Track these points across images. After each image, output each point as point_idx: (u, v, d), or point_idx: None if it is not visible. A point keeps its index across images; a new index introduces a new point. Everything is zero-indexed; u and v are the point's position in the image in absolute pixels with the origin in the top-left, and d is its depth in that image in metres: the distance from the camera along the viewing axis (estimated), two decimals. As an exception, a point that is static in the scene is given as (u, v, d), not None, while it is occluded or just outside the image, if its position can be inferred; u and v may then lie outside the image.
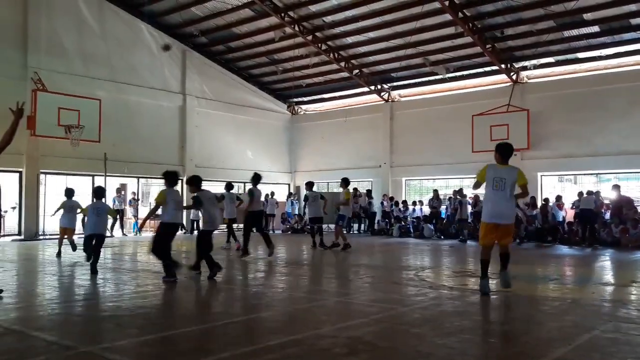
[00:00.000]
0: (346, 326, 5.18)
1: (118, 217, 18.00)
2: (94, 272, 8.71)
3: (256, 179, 12.10)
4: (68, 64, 19.03)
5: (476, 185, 7.04)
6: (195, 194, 8.54)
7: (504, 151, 6.85)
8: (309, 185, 14.89)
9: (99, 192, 9.99)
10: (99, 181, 18.54)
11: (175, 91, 22.47)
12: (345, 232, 19.88)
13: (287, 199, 24.05)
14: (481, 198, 12.31)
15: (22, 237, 17.48)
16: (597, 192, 16.28)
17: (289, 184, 26.43)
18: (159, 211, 8.10)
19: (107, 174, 18.93)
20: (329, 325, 5.27)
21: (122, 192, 20.81)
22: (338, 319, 5.60)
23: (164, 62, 22.03)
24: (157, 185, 22.08)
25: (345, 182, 13.97)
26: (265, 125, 25.73)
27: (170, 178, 8.36)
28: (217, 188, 24.49)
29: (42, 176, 18.46)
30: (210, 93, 23.55)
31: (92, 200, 10.24)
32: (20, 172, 17.89)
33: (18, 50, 17.93)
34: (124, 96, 20.42)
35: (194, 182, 8.66)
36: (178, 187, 8.68)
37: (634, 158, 17.27)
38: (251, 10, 19.86)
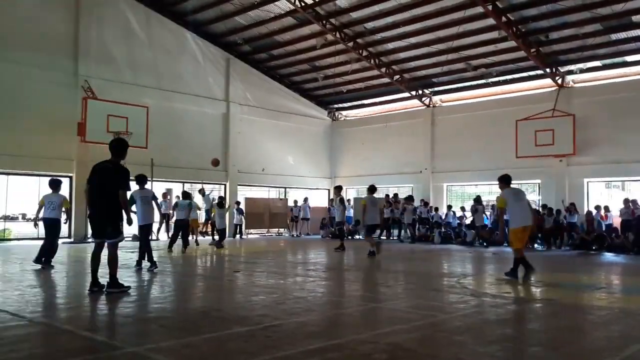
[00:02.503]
0: (386, 332, 5.19)
1: (164, 220, 18.39)
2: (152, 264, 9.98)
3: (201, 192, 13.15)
4: (117, 72, 19.71)
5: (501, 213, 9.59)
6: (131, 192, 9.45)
7: (509, 179, 9.74)
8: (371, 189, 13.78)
9: (141, 179, 10.61)
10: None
11: (219, 98, 22.93)
12: (383, 238, 20.08)
13: (330, 204, 23.99)
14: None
15: (72, 240, 18.10)
16: None
17: (328, 190, 26.52)
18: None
19: (154, 179, 19.43)
20: (369, 330, 5.29)
21: (168, 197, 21.28)
22: (378, 325, 5.61)
23: (208, 70, 22.55)
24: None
25: (371, 190, 13.58)
26: (306, 131, 25.96)
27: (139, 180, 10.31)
28: (260, 193, 25.04)
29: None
30: (253, 100, 23.95)
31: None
32: (71, 178, 18.56)
33: (69, 59, 18.71)
34: (169, 103, 20.99)
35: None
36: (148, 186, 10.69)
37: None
38: (293, 19, 20.11)
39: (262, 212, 23.57)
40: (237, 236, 21.26)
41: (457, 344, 4.85)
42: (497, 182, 9.92)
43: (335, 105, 26.67)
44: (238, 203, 21.71)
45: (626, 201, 16.44)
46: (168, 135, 20.51)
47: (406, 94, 23.36)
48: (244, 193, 23.66)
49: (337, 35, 20.18)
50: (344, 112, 26.96)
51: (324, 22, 19.60)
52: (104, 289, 7.13)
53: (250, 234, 23.27)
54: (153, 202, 10.56)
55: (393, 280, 9.42)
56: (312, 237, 22.91)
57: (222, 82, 23.10)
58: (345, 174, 26.17)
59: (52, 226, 10.35)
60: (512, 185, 9.73)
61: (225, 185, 22.92)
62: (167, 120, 20.62)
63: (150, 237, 10.73)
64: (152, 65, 20.76)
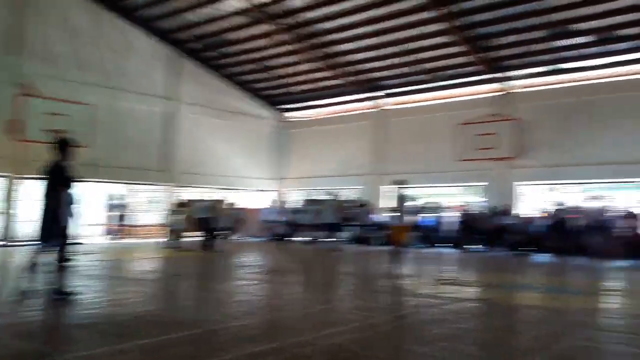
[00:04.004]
0: (326, 334, 5.23)
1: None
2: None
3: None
4: (60, 69, 18.90)
5: None
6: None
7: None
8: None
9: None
10: (88, 187, 18.46)
11: (166, 97, 22.45)
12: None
13: (269, 206, 23.72)
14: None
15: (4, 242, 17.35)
16: (603, 197, 16.34)
17: (275, 191, 26.42)
18: None
19: (99, 180, 18.92)
20: (309, 332, 5.32)
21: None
22: (319, 327, 5.64)
23: (156, 67, 22.05)
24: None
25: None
26: (254, 131, 25.76)
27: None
28: (205, 194, 24.61)
29: (28, 181, 18.33)
30: (202, 99, 23.56)
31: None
32: (7, 177, 17.83)
33: (11, 57, 17.88)
34: (115, 102, 20.35)
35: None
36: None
37: (621, 168, 17.43)
38: (245, 17, 19.94)
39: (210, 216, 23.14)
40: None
41: (395, 344, 4.95)
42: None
43: (286, 106, 26.61)
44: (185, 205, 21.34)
45: (558, 204, 17.15)
46: (113, 135, 19.86)
47: (357, 96, 23.56)
48: (186, 195, 23.21)
49: (289, 35, 20.14)
50: (294, 113, 26.93)
51: (276, 21, 19.53)
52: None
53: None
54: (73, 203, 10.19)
55: (335, 282, 9.49)
56: (257, 239, 22.69)
57: (170, 80, 22.64)
58: (292, 176, 26.15)
59: None
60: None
61: (167, 186, 22.43)
62: (112, 119, 19.94)
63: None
64: (98, 62, 20.05)
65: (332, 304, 7.02)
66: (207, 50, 23.04)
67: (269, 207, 23.34)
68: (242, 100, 25.35)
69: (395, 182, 11.93)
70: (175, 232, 16.17)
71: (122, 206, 21.39)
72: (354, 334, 5.29)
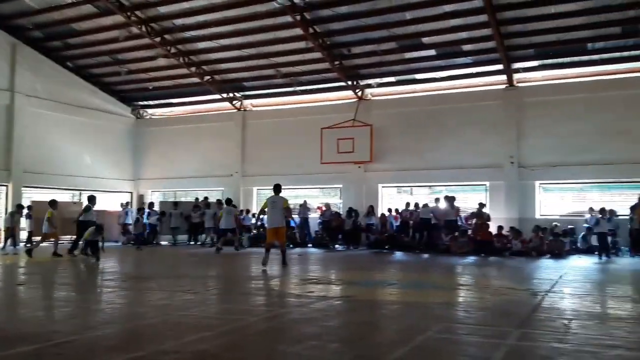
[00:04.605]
0: (191, 340, 4.98)
1: None
2: None
3: None
4: None
5: (261, 212, 12.14)
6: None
7: (275, 187, 12.12)
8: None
9: None
10: None
11: (2, 88, 20.17)
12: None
13: (122, 208, 22.27)
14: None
15: None
16: (452, 198, 17.58)
17: (131, 192, 25.00)
18: None
19: None
20: (173, 340, 5.02)
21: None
22: (183, 334, 5.35)
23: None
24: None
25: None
26: (107, 128, 24.10)
27: None
28: (53, 195, 22.47)
29: None
30: (44, 92, 21.45)
31: None
32: None
33: None
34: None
35: None
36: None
37: (463, 172, 19.14)
38: (94, 7, 18.55)
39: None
40: (22, 244, 18.74)
41: (264, 346, 4.87)
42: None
43: (141, 103, 25.27)
44: (30, 207, 19.34)
45: (415, 205, 18.42)
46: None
47: (217, 96, 23.09)
48: (30, 196, 21.06)
49: (143, 28, 19.12)
50: (150, 111, 25.67)
51: (129, 13, 18.42)
52: None
53: (37, 241, 20.73)
54: None
55: (200, 286, 9.14)
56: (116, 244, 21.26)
57: (5, 69, 20.34)
58: (150, 176, 24.94)
59: None
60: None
61: (7, 186, 20.19)
62: None
63: None
64: None
65: (197, 309, 6.71)
66: (51, 40, 21.11)
67: (128, 209, 21.90)
68: (94, 96, 23.60)
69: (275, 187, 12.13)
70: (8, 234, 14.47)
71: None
72: (221, 338, 5.08)
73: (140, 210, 21.27)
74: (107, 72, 23.19)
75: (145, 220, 20.68)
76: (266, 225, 12.44)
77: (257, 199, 22.76)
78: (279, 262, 11.85)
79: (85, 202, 21.91)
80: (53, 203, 14.84)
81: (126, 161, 24.99)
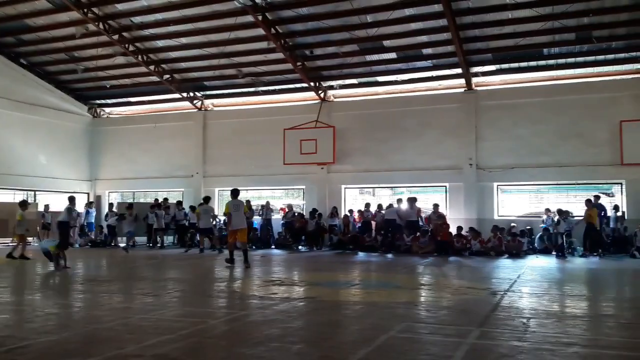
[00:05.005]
0: (152, 344, 4.86)
1: None
2: None
3: None
4: None
5: (228, 215, 12.31)
6: None
7: (233, 192, 12.69)
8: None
9: None
10: None
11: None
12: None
13: (85, 209, 21.67)
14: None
15: None
16: (414, 199, 17.76)
17: (88, 193, 24.32)
18: None
19: None
20: (133, 344, 4.89)
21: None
22: (144, 337, 5.22)
23: None
24: None
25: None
26: (62, 127, 23.37)
27: None
28: (4, 197, 21.73)
29: None
30: (-6, 89, 20.70)
31: None
32: None
33: None
34: None
35: None
36: None
37: (424, 174, 19.39)
38: (48, 2, 17.99)
39: (7, 219, 20.44)
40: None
41: (225, 348, 4.81)
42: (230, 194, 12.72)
43: (98, 101, 24.63)
44: None
45: (378, 206, 18.60)
46: None
47: (177, 95, 22.69)
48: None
49: (101, 26, 18.65)
50: (108, 109, 25.04)
51: (85, 10, 17.94)
52: None
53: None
54: None
55: (161, 289, 8.96)
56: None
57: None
58: (108, 177, 24.33)
59: None
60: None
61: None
62: None
63: None
64: None
65: (158, 312, 6.57)
66: (3, 36, 20.40)
67: (86, 210, 21.28)
68: (49, 94, 22.86)
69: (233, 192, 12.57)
70: None
71: None
72: (181, 341, 4.99)
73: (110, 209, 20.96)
74: (62, 69, 22.53)
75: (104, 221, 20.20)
76: (229, 227, 12.48)
77: (218, 200, 22.47)
78: (242, 262, 11.80)
79: (37, 203, 21.40)
80: (23, 204, 14.35)
81: (83, 161, 24.29)
